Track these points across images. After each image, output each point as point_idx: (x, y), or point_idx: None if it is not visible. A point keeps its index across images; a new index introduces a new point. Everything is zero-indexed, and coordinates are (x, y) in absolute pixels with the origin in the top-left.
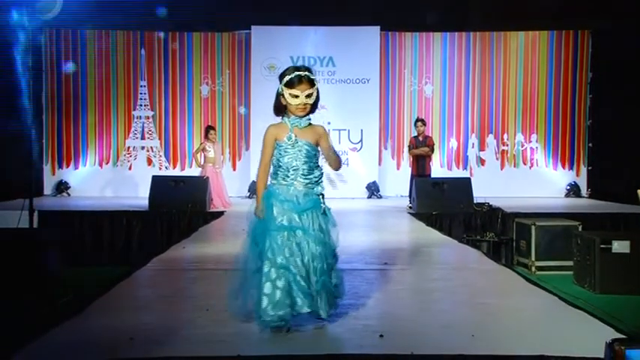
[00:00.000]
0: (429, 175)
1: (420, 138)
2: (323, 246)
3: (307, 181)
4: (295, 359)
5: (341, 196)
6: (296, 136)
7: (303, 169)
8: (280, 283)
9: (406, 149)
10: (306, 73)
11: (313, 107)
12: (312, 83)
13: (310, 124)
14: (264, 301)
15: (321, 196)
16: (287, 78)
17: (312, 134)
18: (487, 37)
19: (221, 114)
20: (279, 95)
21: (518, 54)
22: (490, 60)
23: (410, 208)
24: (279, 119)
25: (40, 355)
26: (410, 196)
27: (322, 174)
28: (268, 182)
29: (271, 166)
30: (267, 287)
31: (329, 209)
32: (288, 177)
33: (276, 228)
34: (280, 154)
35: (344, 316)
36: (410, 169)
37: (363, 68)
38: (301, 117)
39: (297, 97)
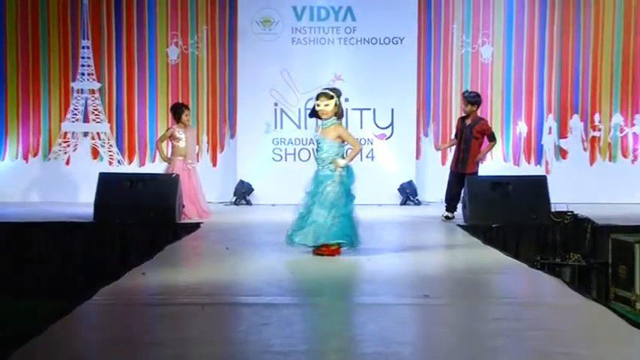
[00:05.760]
0: (474, 174)
1: (469, 121)
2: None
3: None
4: None
5: (365, 201)
6: (319, 134)
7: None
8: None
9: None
10: (325, 90)
11: (336, 114)
12: (329, 96)
13: (333, 124)
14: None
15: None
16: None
17: (332, 132)
18: None
19: (196, 87)
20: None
21: (617, 5)
22: (575, 13)
23: (446, 218)
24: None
25: None
26: (447, 200)
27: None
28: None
29: None
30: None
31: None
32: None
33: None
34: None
35: None
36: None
37: (395, 23)
38: (325, 120)
39: (318, 105)
